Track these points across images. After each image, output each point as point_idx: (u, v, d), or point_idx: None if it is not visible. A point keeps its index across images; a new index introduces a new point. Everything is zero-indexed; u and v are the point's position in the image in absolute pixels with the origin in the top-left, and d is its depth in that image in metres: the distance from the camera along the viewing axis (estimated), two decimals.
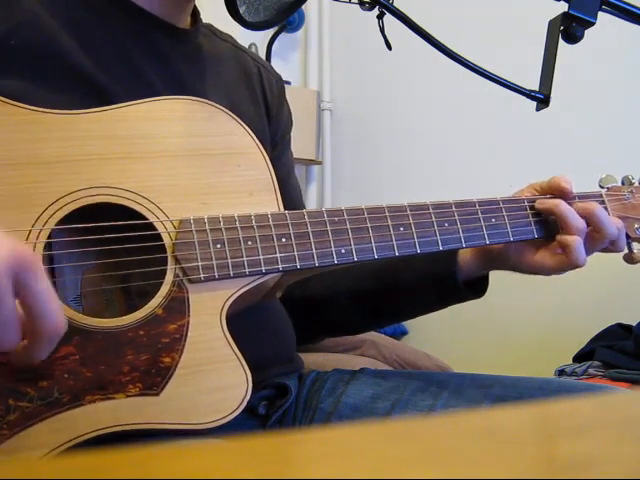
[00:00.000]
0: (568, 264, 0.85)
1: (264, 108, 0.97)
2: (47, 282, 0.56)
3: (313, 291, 1.00)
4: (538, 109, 0.83)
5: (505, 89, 0.82)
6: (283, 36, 2.58)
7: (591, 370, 1.79)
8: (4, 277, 0.53)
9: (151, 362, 0.67)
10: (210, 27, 0.98)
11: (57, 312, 0.56)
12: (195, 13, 0.93)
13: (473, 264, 0.91)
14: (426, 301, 0.97)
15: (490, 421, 0.34)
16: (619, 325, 1.91)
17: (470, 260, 0.91)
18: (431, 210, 0.82)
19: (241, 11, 0.76)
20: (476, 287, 0.93)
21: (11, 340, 0.55)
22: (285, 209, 0.77)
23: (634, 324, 1.83)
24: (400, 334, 2.31)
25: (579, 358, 1.89)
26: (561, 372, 1.84)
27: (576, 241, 0.84)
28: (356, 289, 0.99)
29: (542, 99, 0.82)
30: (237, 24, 0.77)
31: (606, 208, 0.91)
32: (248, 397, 0.69)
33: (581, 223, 0.85)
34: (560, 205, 0.86)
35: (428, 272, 0.93)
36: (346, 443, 0.30)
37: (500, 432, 0.31)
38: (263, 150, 0.78)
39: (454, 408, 0.86)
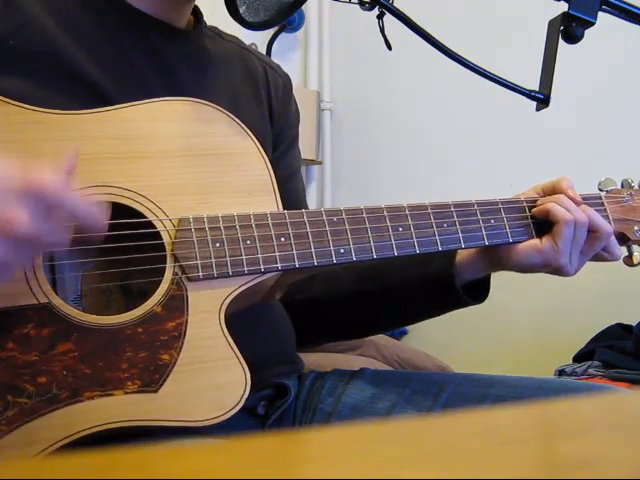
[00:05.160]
0: (545, 260, 0.85)
1: (267, 109, 0.96)
2: (68, 196, 0.58)
3: (314, 292, 1.00)
4: (538, 109, 0.83)
5: (505, 89, 0.82)
6: (283, 36, 2.58)
7: (591, 370, 1.79)
8: (25, 209, 0.54)
9: (149, 359, 0.67)
10: (215, 29, 0.98)
11: (94, 214, 0.59)
12: (198, 15, 0.93)
13: (472, 264, 0.91)
14: (423, 304, 0.96)
15: (490, 421, 0.34)
16: (619, 325, 1.91)
17: (469, 259, 0.90)
18: (430, 210, 0.82)
19: (241, 11, 0.76)
20: (476, 292, 0.93)
21: (63, 243, 0.60)
22: (287, 210, 0.77)
23: (634, 324, 1.83)
24: (400, 334, 2.31)
25: (579, 358, 1.90)
26: (561, 372, 1.84)
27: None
28: (355, 290, 0.98)
29: (542, 99, 0.82)
30: (237, 24, 0.77)
31: (605, 211, 0.91)
32: (246, 395, 0.69)
33: (570, 219, 0.84)
34: (553, 207, 0.86)
35: (424, 274, 0.92)
36: (346, 443, 0.30)
37: (500, 432, 0.31)
38: (262, 150, 0.78)
39: (454, 408, 0.86)
